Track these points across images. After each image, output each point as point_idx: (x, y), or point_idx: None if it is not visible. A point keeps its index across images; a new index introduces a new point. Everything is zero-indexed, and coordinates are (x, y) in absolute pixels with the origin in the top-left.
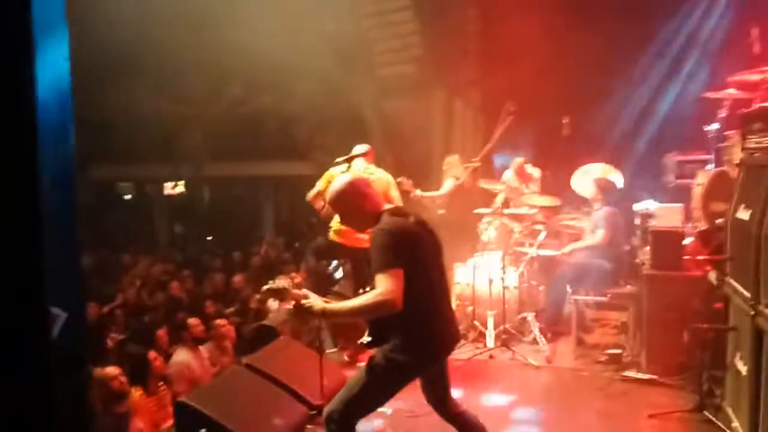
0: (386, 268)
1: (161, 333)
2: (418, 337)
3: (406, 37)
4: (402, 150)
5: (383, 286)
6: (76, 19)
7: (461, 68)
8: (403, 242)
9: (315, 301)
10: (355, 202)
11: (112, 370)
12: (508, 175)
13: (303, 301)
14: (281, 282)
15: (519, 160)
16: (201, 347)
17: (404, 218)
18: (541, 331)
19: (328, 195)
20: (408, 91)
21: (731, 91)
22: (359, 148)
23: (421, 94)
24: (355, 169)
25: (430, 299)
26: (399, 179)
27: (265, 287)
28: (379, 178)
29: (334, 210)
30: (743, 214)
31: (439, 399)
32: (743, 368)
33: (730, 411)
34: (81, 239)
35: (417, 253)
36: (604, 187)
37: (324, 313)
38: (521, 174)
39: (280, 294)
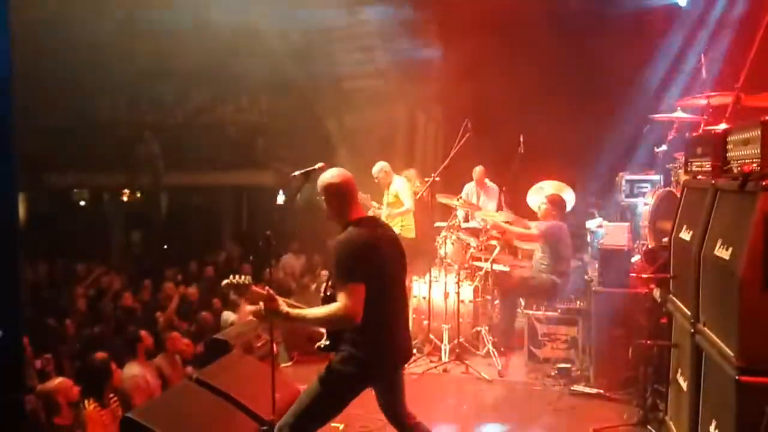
0: (347, 282)
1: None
2: (368, 350)
3: (371, 51)
4: (364, 162)
5: (343, 301)
6: (33, 22)
7: (424, 83)
8: (364, 256)
9: (280, 303)
10: (344, 198)
11: (60, 382)
12: (468, 188)
13: (268, 303)
14: (243, 278)
15: (479, 168)
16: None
17: (371, 230)
18: (494, 345)
19: (326, 181)
20: (371, 104)
21: (679, 114)
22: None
23: (384, 107)
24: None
25: (385, 314)
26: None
27: (226, 281)
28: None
29: (326, 195)
30: (685, 235)
31: (394, 411)
32: (684, 384)
33: (672, 425)
34: (33, 249)
35: (377, 266)
36: (557, 204)
37: (287, 316)
38: (481, 182)
39: (240, 289)
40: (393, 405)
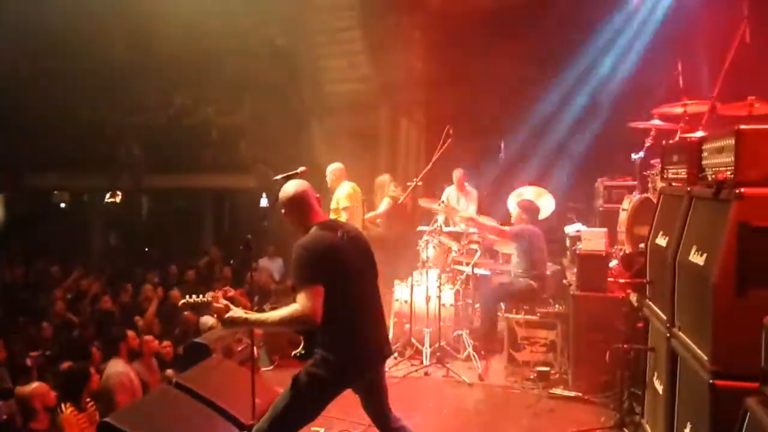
0: (305, 284)
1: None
2: (339, 353)
3: (354, 56)
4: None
5: (301, 303)
6: (13, 23)
7: (406, 88)
8: (323, 259)
9: (234, 312)
10: (302, 208)
11: (37, 386)
12: (448, 192)
13: (225, 315)
14: (202, 296)
15: (459, 171)
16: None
17: (332, 233)
18: (475, 348)
19: (284, 198)
20: (354, 109)
21: (656, 122)
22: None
23: (366, 112)
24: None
25: (353, 315)
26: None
27: (183, 301)
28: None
29: (285, 209)
30: (661, 241)
31: (378, 413)
32: (660, 387)
33: (648, 428)
34: (11, 251)
35: (339, 268)
36: (527, 209)
37: (245, 322)
38: (461, 185)
39: (198, 307)
40: (375, 407)
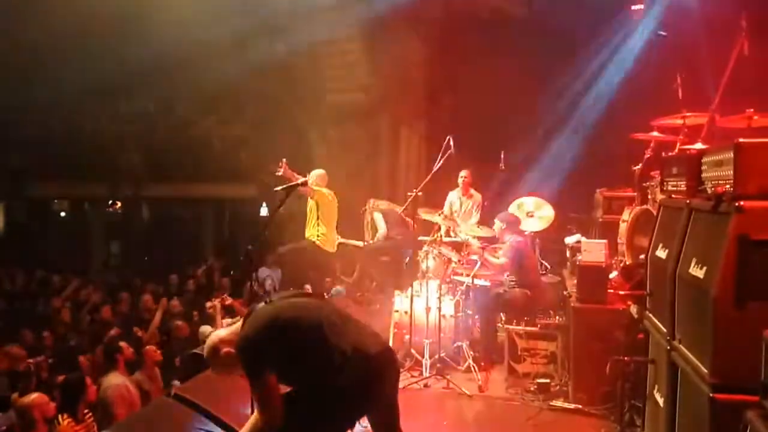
0: (254, 383)
1: (83, 360)
2: (346, 382)
3: (355, 66)
4: (347, 176)
5: (258, 411)
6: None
7: (407, 98)
8: (265, 345)
9: None
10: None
11: (37, 397)
12: (451, 197)
13: None
14: None
15: (465, 172)
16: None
17: (261, 314)
18: (475, 359)
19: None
20: (355, 118)
21: (655, 134)
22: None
23: (367, 121)
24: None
25: (330, 368)
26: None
27: None
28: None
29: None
30: (661, 253)
31: (384, 428)
32: (660, 399)
33: None
34: (11, 259)
35: (293, 338)
36: (506, 220)
37: None
38: (466, 190)
39: None
40: (384, 425)
